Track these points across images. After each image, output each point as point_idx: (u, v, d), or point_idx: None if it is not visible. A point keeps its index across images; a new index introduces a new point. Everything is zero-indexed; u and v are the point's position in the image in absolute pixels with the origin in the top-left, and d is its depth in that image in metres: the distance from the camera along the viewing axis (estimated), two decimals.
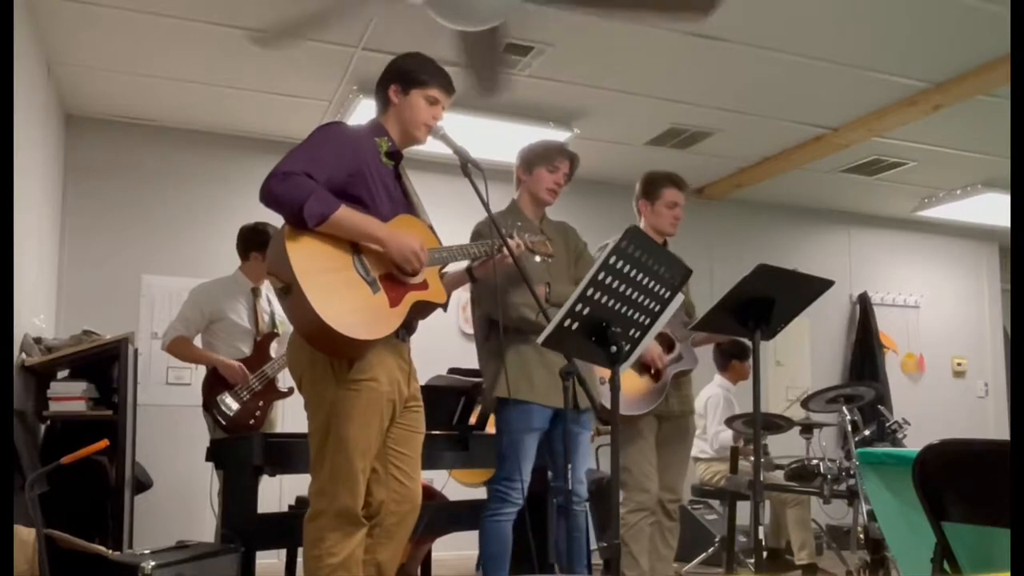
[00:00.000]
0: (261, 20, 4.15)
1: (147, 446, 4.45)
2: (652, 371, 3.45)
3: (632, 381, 3.42)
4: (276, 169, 2.35)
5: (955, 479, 1.97)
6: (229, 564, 3.10)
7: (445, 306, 2.64)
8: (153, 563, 2.79)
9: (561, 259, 3.27)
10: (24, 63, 3.78)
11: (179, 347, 4.05)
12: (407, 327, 2.55)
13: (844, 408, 4.37)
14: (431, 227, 2.67)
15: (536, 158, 3.30)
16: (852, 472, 4.08)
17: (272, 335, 4.11)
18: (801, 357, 7.29)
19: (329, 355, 2.40)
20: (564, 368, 2.48)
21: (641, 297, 2.25)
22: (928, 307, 7.85)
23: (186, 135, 5.66)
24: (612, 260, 2.14)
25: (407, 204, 2.65)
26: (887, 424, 4.92)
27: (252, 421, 3.94)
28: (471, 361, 3.52)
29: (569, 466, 2.75)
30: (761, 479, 2.74)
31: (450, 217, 3.40)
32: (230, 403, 3.90)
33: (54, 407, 3.75)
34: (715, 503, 5.67)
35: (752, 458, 2.82)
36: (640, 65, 4.71)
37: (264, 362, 4.01)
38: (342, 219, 2.37)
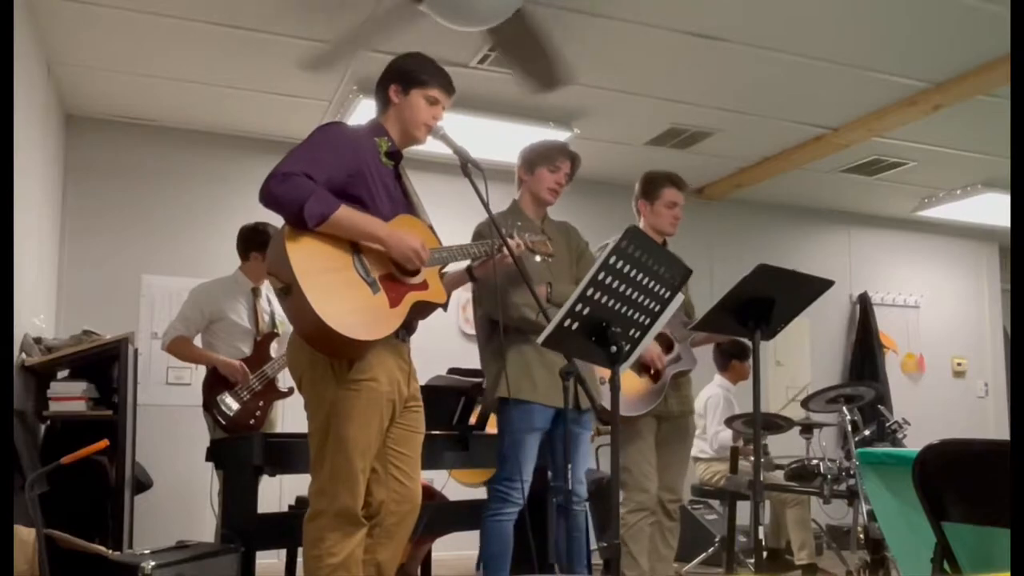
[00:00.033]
0: (261, 20, 4.16)
1: (147, 446, 4.45)
2: (651, 371, 3.46)
3: (631, 381, 3.42)
4: (276, 170, 2.35)
5: (955, 479, 1.97)
6: (229, 564, 3.10)
7: (445, 306, 2.64)
8: (153, 563, 2.80)
9: (563, 259, 3.27)
10: (24, 63, 3.77)
11: (179, 347, 4.05)
12: (407, 327, 2.55)
13: (844, 408, 4.37)
14: (431, 227, 2.67)
15: (537, 158, 3.30)
16: (852, 472, 4.07)
17: (272, 335, 4.11)
18: (801, 357, 7.28)
19: (329, 355, 2.40)
20: (564, 368, 2.48)
21: (641, 297, 2.25)
22: (928, 307, 7.85)
23: (186, 135, 5.66)
24: (612, 260, 2.14)
25: (407, 204, 2.65)
26: (887, 424, 4.92)
27: (252, 421, 3.94)
28: (471, 361, 3.52)
29: (569, 466, 2.75)
30: (761, 479, 2.74)
31: (450, 217, 3.40)
32: (230, 403, 3.90)
33: (54, 407, 3.75)
34: (715, 503, 5.67)
35: (752, 458, 2.82)
36: (640, 65, 4.70)
37: (264, 362, 4.01)
38: (342, 219, 2.37)
